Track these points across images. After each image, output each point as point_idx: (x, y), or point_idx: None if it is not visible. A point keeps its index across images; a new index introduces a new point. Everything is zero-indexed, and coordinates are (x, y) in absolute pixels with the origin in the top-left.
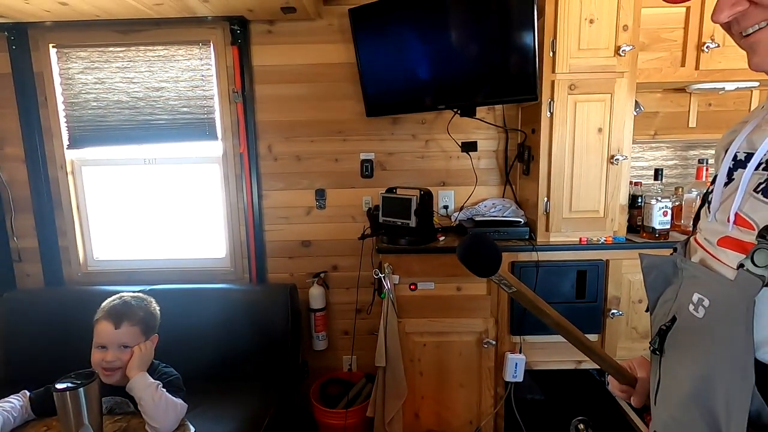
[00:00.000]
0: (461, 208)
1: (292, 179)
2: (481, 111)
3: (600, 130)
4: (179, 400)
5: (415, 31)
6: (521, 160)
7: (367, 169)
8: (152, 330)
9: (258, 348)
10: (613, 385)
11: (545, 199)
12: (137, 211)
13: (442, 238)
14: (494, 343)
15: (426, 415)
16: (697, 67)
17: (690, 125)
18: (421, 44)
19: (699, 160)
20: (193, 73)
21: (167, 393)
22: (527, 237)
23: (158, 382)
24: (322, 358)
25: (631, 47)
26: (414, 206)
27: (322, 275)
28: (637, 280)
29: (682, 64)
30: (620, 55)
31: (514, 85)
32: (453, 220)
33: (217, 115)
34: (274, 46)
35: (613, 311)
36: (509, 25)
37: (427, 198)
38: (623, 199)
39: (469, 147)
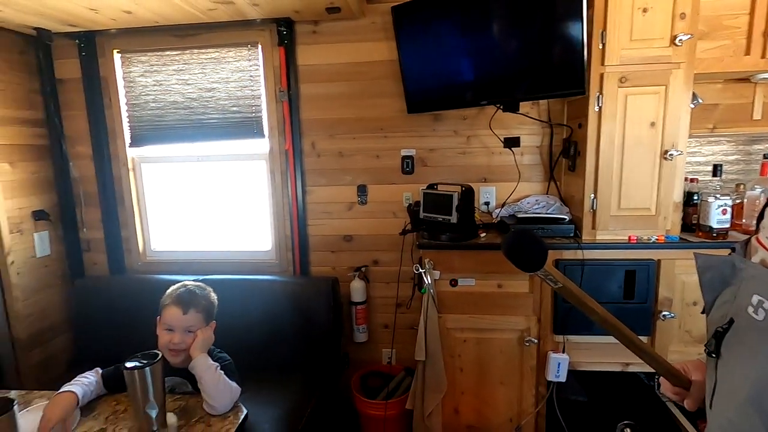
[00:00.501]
0: (503, 205)
1: (334, 175)
2: (525, 106)
3: (653, 124)
4: (234, 383)
5: (457, 26)
6: (567, 155)
7: (408, 166)
8: (212, 317)
9: (302, 338)
10: (665, 387)
11: (592, 195)
12: (191, 206)
13: (483, 234)
14: (536, 341)
15: (466, 410)
16: (763, 56)
17: (754, 117)
18: (463, 39)
19: (764, 155)
20: (242, 73)
21: (224, 375)
22: (572, 235)
23: (217, 364)
24: (362, 350)
25: (689, 36)
26: (455, 202)
27: (363, 269)
28: (691, 281)
29: (747, 53)
30: (676, 45)
31: (561, 78)
32: (494, 216)
33: (264, 114)
34: (318, 46)
35: (664, 313)
36: (556, 18)
37: (468, 194)
38: (677, 196)
39: (511, 143)
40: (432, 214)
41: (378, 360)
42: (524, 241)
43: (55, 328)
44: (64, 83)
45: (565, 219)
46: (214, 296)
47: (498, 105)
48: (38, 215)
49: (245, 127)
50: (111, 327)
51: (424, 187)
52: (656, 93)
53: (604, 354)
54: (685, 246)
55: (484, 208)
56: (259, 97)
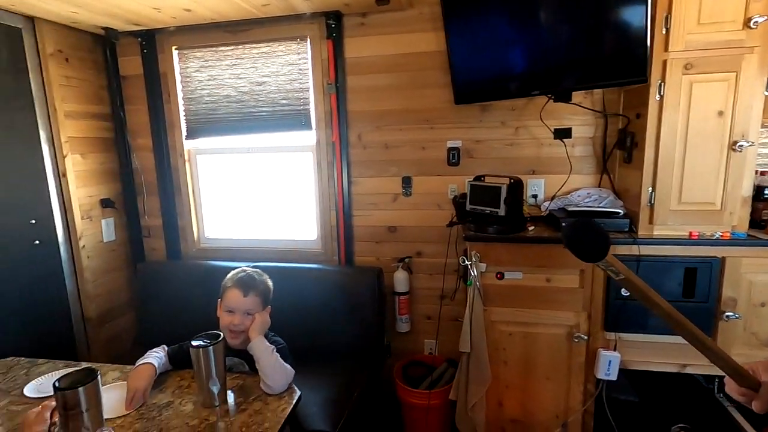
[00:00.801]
0: (552, 198)
1: (380, 167)
2: (578, 95)
3: (720, 113)
4: (288, 366)
5: (508, 13)
6: (622, 147)
7: (454, 157)
8: (268, 302)
9: (347, 326)
10: (730, 387)
11: (650, 189)
12: (242, 195)
13: (531, 228)
14: (586, 338)
15: (510, 404)
16: None
17: None
18: (514, 27)
19: None
20: (291, 67)
21: (280, 358)
22: (627, 229)
23: (273, 346)
24: (404, 340)
25: (765, 18)
26: (503, 195)
27: (406, 260)
28: (759, 281)
29: None
30: (750, 28)
31: (619, 66)
32: (543, 210)
33: (311, 106)
34: (366, 38)
35: (727, 313)
36: (616, 2)
37: (516, 186)
38: (746, 190)
39: (562, 134)
40: (479, 206)
41: (419, 350)
42: (587, 231)
43: (120, 308)
44: (128, 79)
45: (620, 213)
46: (270, 282)
47: (549, 95)
48: (105, 203)
49: (294, 119)
50: (168, 308)
51: (471, 179)
52: (725, 80)
53: (660, 354)
54: (753, 243)
55: (531, 200)
56: (308, 90)
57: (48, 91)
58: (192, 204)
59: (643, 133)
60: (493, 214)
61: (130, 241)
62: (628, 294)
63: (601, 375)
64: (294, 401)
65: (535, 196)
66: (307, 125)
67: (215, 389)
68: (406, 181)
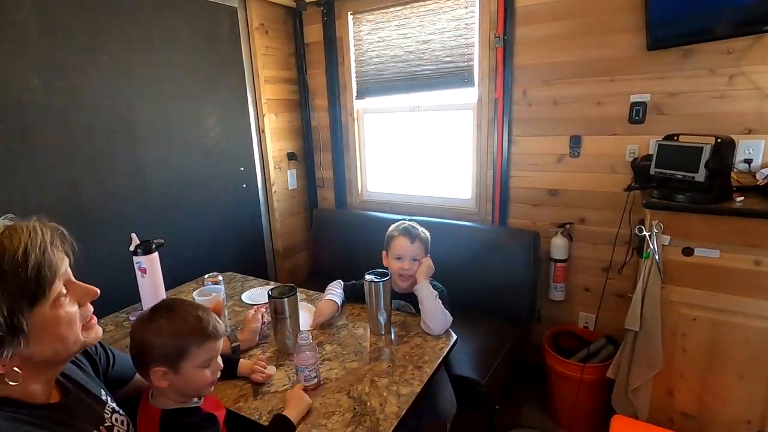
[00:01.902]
0: None
1: (545, 125)
2: None
3: None
4: (448, 312)
5: None
6: None
7: (638, 114)
8: (428, 250)
9: (497, 285)
10: None
11: None
12: (401, 152)
13: (740, 198)
14: None
15: (683, 396)
16: None
17: None
18: None
19: None
20: (457, 22)
21: (441, 303)
22: None
23: (436, 292)
24: (556, 308)
25: None
26: (706, 157)
27: (567, 226)
28: None
29: None
30: None
31: None
32: (759, 178)
33: (475, 62)
34: None
35: None
36: None
37: (725, 147)
38: None
39: None
40: (669, 170)
41: (572, 321)
42: None
43: (299, 245)
44: (310, 46)
45: None
46: (427, 233)
47: None
48: (290, 156)
49: (456, 76)
50: (336, 249)
51: (660, 139)
52: None
53: None
54: None
55: (742, 166)
56: (472, 46)
57: (253, 59)
58: (358, 160)
59: None
60: (688, 179)
61: (308, 189)
62: None
63: None
64: (451, 343)
65: (748, 162)
66: (469, 82)
67: (382, 319)
68: (575, 141)
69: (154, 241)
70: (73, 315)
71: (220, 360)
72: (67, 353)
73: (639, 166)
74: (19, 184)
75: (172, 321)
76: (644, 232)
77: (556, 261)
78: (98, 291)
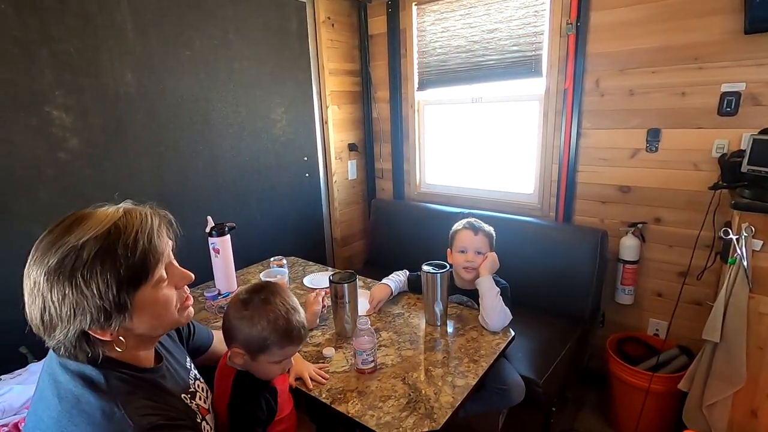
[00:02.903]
0: None
1: (619, 117)
2: None
3: None
4: (507, 308)
5: None
6: None
7: (730, 105)
8: (493, 246)
9: (560, 284)
10: None
11: None
12: (461, 145)
13: None
14: None
15: None
16: None
17: None
18: None
19: None
20: (526, 10)
21: (502, 301)
22: None
23: (498, 289)
24: (623, 313)
25: None
26: None
27: (639, 226)
28: None
29: None
30: None
31: None
32: None
33: (544, 51)
34: None
35: None
36: None
37: None
38: None
39: None
40: (765, 167)
41: (641, 328)
42: None
43: (356, 234)
44: (374, 38)
45: None
46: (492, 230)
47: None
48: (351, 147)
49: (522, 66)
50: (392, 239)
51: (756, 133)
52: None
53: None
54: None
55: None
56: (542, 34)
57: (319, 52)
58: (417, 151)
59: None
60: None
61: (367, 180)
62: None
63: None
64: (508, 340)
65: None
66: (537, 72)
67: (438, 310)
68: (653, 134)
69: (227, 224)
70: (170, 297)
71: (293, 360)
72: (163, 329)
73: (728, 163)
74: (114, 169)
75: (264, 315)
76: (731, 236)
77: (625, 262)
78: (193, 276)
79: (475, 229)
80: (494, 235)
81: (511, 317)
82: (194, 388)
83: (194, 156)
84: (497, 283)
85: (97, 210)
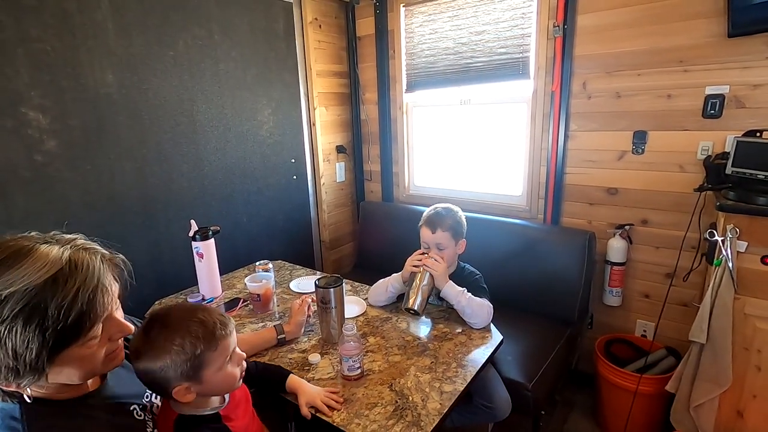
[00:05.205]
0: None
1: (606, 119)
2: None
3: None
4: (485, 300)
5: None
6: None
7: (714, 107)
8: (460, 235)
9: (548, 287)
10: None
11: None
12: (449, 147)
13: None
14: None
15: (756, 418)
16: None
17: None
18: None
19: None
20: (514, 12)
21: (472, 296)
22: None
23: (463, 289)
24: (611, 314)
25: None
26: None
27: (626, 228)
28: None
29: None
30: None
31: None
32: None
33: (531, 53)
34: None
35: None
36: None
37: None
38: None
39: None
40: (749, 169)
41: (628, 330)
42: None
43: (345, 237)
44: (362, 39)
45: None
46: (461, 216)
47: None
48: (339, 149)
49: (510, 68)
50: (381, 242)
51: (740, 135)
52: None
53: None
54: None
55: None
56: (529, 36)
57: (306, 53)
58: (405, 153)
59: None
60: None
61: (355, 182)
62: None
63: None
64: (496, 344)
65: None
66: (524, 74)
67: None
68: (639, 137)
69: (211, 227)
70: (96, 356)
71: (238, 349)
72: (81, 379)
73: (713, 165)
74: (95, 172)
75: (174, 335)
76: (716, 237)
77: (613, 264)
78: (133, 329)
79: (433, 227)
80: (461, 221)
81: (491, 306)
82: (149, 396)
83: (179, 158)
84: (470, 275)
85: (38, 248)
